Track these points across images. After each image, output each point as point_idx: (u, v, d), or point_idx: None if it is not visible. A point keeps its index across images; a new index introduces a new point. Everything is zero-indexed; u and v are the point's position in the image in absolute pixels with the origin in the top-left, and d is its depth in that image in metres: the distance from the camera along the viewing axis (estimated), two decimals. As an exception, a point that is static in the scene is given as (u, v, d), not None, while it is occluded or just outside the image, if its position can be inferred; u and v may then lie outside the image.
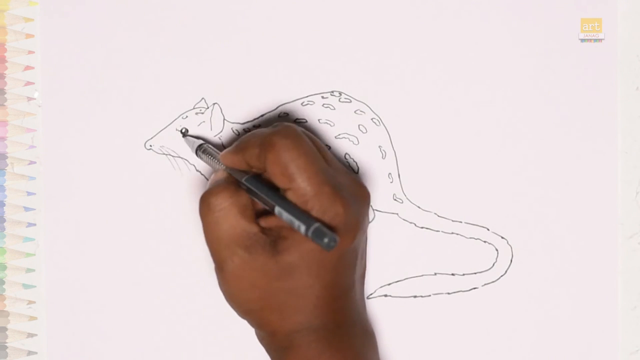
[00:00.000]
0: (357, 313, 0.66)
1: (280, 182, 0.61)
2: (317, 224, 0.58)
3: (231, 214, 0.62)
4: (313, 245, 0.61)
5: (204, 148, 0.68)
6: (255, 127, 0.70)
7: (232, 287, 0.62)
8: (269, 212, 0.62)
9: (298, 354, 0.63)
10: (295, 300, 0.62)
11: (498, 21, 0.70)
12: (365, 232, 0.65)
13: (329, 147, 0.70)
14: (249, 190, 0.63)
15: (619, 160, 0.70)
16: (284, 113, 0.69)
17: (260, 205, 0.63)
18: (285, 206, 0.60)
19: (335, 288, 0.63)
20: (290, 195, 0.61)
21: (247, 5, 0.69)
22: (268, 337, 0.64)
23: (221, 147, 0.69)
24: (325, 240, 0.58)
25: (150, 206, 0.70)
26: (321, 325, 0.63)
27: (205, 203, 0.62)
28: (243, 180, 0.63)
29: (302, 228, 0.59)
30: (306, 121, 0.70)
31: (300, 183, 0.61)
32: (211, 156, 0.67)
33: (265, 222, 0.62)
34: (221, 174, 0.65)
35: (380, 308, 0.70)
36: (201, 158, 0.68)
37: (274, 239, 0.62)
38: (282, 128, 0.62)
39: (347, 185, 0.63)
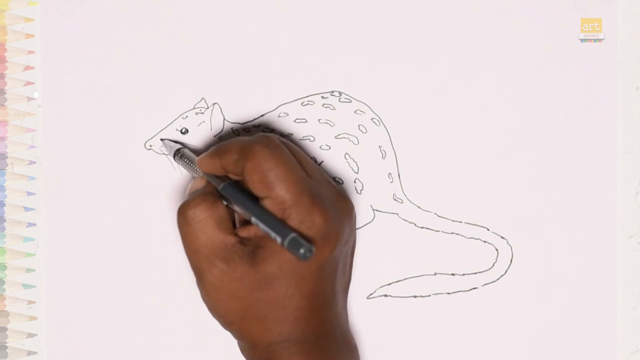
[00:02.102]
0: (339, 326, 0.65)
1: (258, 190, 0.61)
2: (292, 235, 0.58)
3: (208, 226, 0.62)
4: (291, 255, 0.60)
5: (181, 153, 0.67)
6: (255, 127, 0.70)
7: (212, 299, 0.62)
8: (248, 221, 0.62)
9: None
10: (276, 312, 0.62)
11: (498, 21, 0.69)
12: (347, 244, 0.65)
13: (329, 148, 0.70)
14: (226, 199, 0.62)
15: (619, 160, 0.70)
16: (284, 113, 0.69)
17: (239, 215, 0.63)
18: (261, 216, 0.60)
19: (316, 299, 0.63)
20: (268, 204, 0.61)
21: (247, 6, 0.69)
22: (249, 348, 0.64)
23: (199, 152, 0.69)
24: (301, 250, 0.57)
25: (150, 206, 0.70)
26: (302, 337, 0.63)
27: (183, 215, 0.62)
28: (220, 188, 0.62)
29: (278, 239, 0.59)
30: (306, 121, 0.70)
31: (279, 191, 0.60)
32: (189, 161, 0.66)
33: (243, 232, 0.62)
34: (199, 183, 0.64)
35: (380, 308, 0.70)
36: (179, 163, 0.68)
37: (253, 249, 0.61)
38: (262, 137, 0.62)
39: (328, 197, 0.63)
